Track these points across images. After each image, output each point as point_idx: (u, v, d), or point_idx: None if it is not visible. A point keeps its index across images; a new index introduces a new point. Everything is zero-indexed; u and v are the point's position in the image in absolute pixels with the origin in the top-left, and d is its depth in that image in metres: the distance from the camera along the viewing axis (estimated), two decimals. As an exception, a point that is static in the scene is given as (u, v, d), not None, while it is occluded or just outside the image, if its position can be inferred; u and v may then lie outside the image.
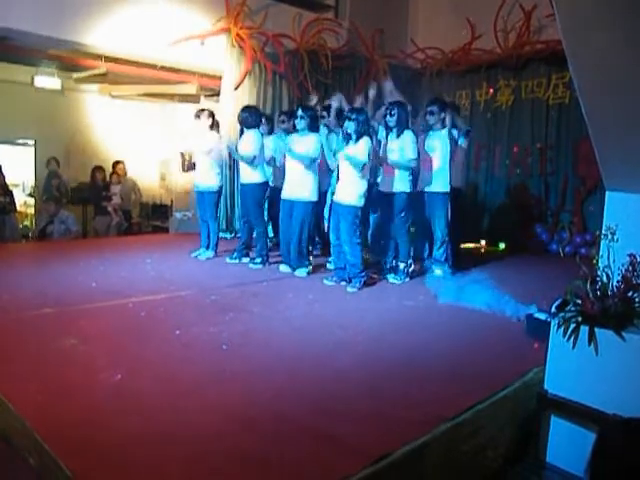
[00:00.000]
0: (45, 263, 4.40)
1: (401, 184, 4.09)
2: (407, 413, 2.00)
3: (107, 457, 1.63)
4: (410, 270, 4.23)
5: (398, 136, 4.05)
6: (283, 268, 4.41)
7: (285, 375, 2.31)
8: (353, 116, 3.77)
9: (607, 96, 2.37)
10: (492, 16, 6.35)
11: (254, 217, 4.63)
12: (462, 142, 4.60)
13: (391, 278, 4.17)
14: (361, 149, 3.78)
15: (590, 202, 5.83)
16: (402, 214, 4.12)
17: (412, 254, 4.29)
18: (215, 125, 4.92)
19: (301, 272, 4.26)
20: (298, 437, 1.81)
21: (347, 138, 3.82)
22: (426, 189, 4.31)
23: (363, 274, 3.92)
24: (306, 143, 4.17)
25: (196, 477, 1.57)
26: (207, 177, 4.75)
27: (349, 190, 3.85)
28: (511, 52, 6.36)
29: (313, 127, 4.22)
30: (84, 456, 1.62)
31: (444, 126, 4.29)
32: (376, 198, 4.23)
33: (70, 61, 5.94)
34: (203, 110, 4.82)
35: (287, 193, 4.27)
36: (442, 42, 6.93)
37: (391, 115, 4.01)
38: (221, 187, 4.89)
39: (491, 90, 6.70)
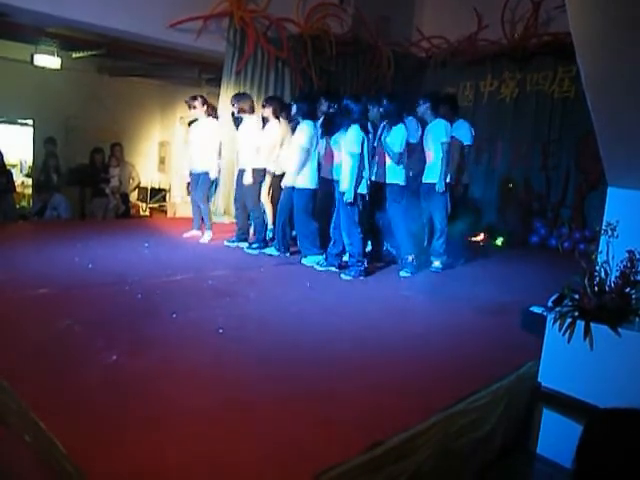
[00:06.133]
0: (42, 244, 4.38)
1: (395, 175, 4.06)
2: (401, 402, 2.01)
3: (103, 436, 1.64)
4: (415, 262, 4.16)
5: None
6: (269, 251, 4.47)
7: (282, 359, 2.32)
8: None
9: (614, 92, 2.34)
10: (499, 6, 6.25)
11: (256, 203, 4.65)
12: (468, 140, 4.57)
13: (401, 272, 4.08)
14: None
15: (592, 198, 5.80)
16: (397, 204, 4.08)
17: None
18: (212, 110, 4.87)
19: (310, 260, 4.20)
20: (294, 421, 1.82)
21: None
22: (424, 180, 4.29)
23: (360, 264, 3.91)
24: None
25: (191, 460, 1.58)
26: (205, 161, 4.73)
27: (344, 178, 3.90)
28: (517, 44, 6.27)
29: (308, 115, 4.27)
30: (80, 435, 1.63)
31: (439, 118, 4.23)
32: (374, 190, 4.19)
33: (69, 40, 5.83)
34: (195, 97, 4.76)
35: (290, 181, 4.28)
36: (448, 31, 6.82)
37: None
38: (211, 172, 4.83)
39: (494, 83, 6.64)
